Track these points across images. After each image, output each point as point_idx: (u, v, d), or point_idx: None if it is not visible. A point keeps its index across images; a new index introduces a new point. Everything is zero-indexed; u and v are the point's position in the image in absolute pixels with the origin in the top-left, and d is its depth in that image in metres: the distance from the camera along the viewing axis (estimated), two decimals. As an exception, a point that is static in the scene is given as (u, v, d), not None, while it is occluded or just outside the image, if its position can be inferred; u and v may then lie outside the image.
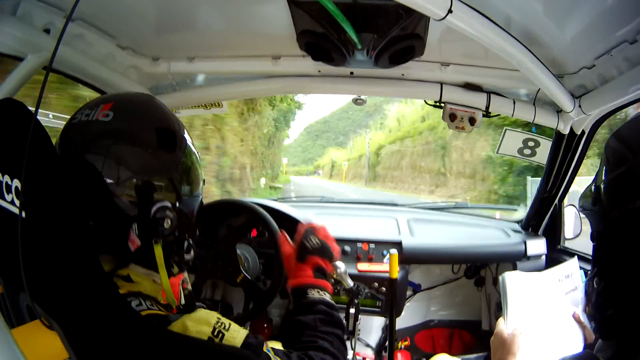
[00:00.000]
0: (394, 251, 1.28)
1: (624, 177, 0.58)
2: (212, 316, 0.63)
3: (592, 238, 0.64)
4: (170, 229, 0.67)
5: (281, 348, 0.71)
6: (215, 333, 0.60)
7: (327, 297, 0.86)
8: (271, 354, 0.65)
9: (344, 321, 1.39)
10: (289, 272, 0.93)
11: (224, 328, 0.61)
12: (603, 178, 0.62)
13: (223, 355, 0.60)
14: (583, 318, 0.65)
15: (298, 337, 0.76)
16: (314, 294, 0.85)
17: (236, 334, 0.62)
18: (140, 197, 0.64)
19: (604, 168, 0.63)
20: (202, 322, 0.61)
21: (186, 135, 0.73)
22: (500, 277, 0.92)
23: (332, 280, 1.43)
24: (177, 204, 0.68)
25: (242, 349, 0.61)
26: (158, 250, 0.66)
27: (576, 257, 0.98)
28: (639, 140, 0.60)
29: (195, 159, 0.74)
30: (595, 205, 0.63)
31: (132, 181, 0.64)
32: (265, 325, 1.78)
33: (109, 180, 0.62)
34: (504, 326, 0.88)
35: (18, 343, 0.48)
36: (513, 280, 0.92)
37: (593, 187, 0.65)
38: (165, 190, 0.67)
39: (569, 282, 0.94)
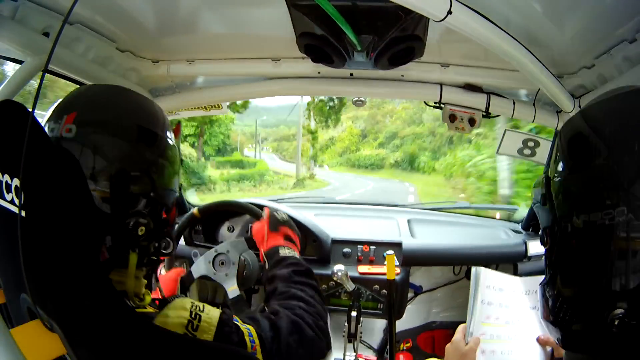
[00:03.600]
0: (390, 252, 1.27)
1: (591, 177, 0.46)
2: (187, 302, 0.66)
3: (542, 242, 0.54)
4: (146, 234, 0.66)
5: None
6: (193, 315, 0.64)
7: (296, 255, 0.94)
8: (239, 323, 0.69)
9: (346, 324, 1.40)
10: (260, 242, 1.01)
11: (200, 310, 0.66)
12: (559, 170, 0.50)
13: (210, 351, 0.62)
14: (544, 325, 0.55)
15: (275, 289, 0.83)
16: (285, 252, 0.93)
17: (211, 313, 0.66)
18: (113, 194, 0.62)
19: (560, 157, 0.50)
20: (178, 308, 0.65)
21: (164, 132, 0.70)
22: (473, 270, 0.88)
23: (333, 283, 1.43)
24: (152, 195, 0.67)
25: (226, 345, 0.64)
26: (133, 259, 0.66)
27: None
28: (619, 128, 0.46)
29: (172, 155, 0.72)
30: (545, 204, 0.51)
31: (105, 178, 0.62)
32: None
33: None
34: (461, 336, 0.84)
35: (17, 342, 0.47)
36: (486, 277, 0.88)
37: (543, 179, 0.52)
38: (139, 184, 0.65)
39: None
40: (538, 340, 0.85)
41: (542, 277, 0.91)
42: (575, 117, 0.52)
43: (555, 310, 0.52)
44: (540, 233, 0.55)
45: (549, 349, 0.85)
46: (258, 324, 0.70)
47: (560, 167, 0.50)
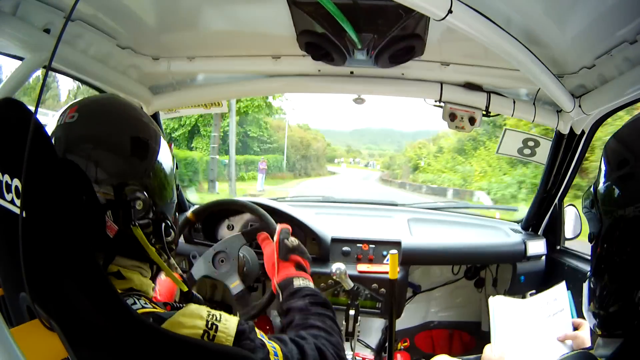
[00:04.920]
0: (394, 251, 1.27)
1: (623, 180, 0.57)
2: (203, 309, 0.64)
3: (590, 239, 0.63)
4: (144, 210, 0.67)
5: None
6: (209, 325, 0.62)
7: (311, 285, 0.92)
8: (265, 340, 0.67)
9: (344, 322, 1.40)
10: (271, 270, 0.99)
11: (216, 319, 0.63)
12: (602, 180, 0.61)
13: (219, 355, 0.61)
14: (586, 316, 0.65)
15: (292, 321, 0.81)
16: (300, 282, 0.92)
17: (228, 323, 0.64)
18: (115, 192, 0.65)
19: (604, 170, 0.62)
20: (194, 315, 0.62)
21: (158, 136, 0.72)
22: (489, 301, 0.98)
23: (332, 281, 1.43)
24: (152, 197, 0.69)
25: (237, 348, 0.62)
26: (138, 232, 0.66)
27: (564, 282, 1.03)
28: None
29: (166, 161, 0.73)
30: (592, 207, 0.62)
31: (107, 178, 0.64)
32: (268, 327, 1.78)
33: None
34: (490, 352, 0.93)
35: (17, 342, 0.47)
36: (500, 306, 0.97)
37: (592, 188, 0.63)
38: (138, 190, 0.67)
39: (555, 304, 0.99)
40: (558, 339, 0.94)
41: (560, 286, 1.02)
42: (611, 139, 0.62)
43: (597, 298, 0.60)
44: (589, 233, 0.63)
45: (569, 342, 0.94)
46: (285, 343, 0.69)
47: (605, 176, 0.60)
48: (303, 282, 0.92)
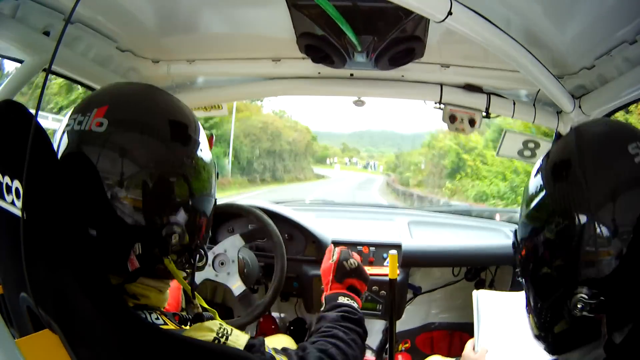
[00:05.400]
0: (393, 252, 1.27)
1: (548, 192, 0.56)
2: (215, 324, 0.64)
3: (514, 250, 0.63)
4: (179, 242, 0.63)
5: (284, 344, 0.73)
6: (220, 334, 0.62)
7: (355, 305, 0.92)
8: (273, 353, 0.66)
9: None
10: (325, 285, 0.98)
11: (227, 332, 0.63)
12: (530, 191, 0.60)
13: (229, 357, 0.61)
14: (535, 342, 0.64)
15: (319, 328, 0.81)
16: (344, 300, 0.92)
17: (239, 336, 0.64)
18: (146, 202, 0.60)
19: (535, 180, 0.60)
20: (204, 329, 0.62)
21: (197, 133, 0.68)
22: (473, 295, 0.95)
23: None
24: (189, 208, 0.64)
25: (247, 352, 0.62)
26: (171, 265, 0.64)
27: None
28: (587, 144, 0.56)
29: (207, 155, 0.69)
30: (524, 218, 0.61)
31: (136, 183, 0.59)
32: (273, 326, 1.78)
33: (107, 182, 0.58)
34: (470, 350, 0.91)
35: (23, 353, 0.47)
36: (485, 300, 0.94)
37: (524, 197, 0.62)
38: (177, 191, 0.63)
39: None
40: None
41: None
42: (563, 144, 0.60)
43: (538, 321, 0.59)
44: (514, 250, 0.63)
45: None
46: (290, 357, 0.69)
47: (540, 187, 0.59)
48: (347, 299, 0.92)
